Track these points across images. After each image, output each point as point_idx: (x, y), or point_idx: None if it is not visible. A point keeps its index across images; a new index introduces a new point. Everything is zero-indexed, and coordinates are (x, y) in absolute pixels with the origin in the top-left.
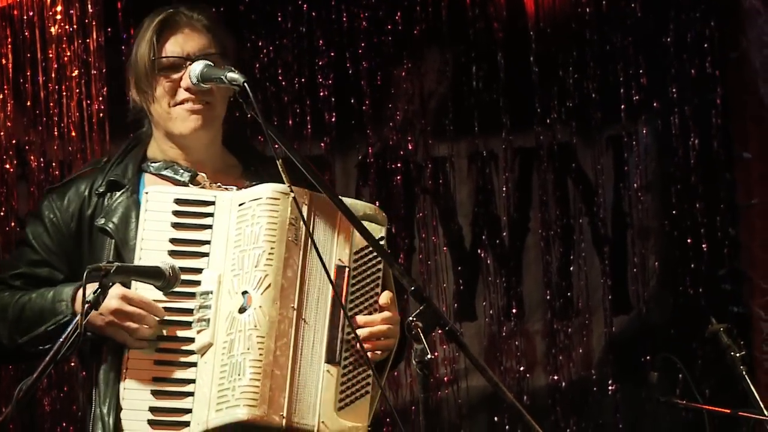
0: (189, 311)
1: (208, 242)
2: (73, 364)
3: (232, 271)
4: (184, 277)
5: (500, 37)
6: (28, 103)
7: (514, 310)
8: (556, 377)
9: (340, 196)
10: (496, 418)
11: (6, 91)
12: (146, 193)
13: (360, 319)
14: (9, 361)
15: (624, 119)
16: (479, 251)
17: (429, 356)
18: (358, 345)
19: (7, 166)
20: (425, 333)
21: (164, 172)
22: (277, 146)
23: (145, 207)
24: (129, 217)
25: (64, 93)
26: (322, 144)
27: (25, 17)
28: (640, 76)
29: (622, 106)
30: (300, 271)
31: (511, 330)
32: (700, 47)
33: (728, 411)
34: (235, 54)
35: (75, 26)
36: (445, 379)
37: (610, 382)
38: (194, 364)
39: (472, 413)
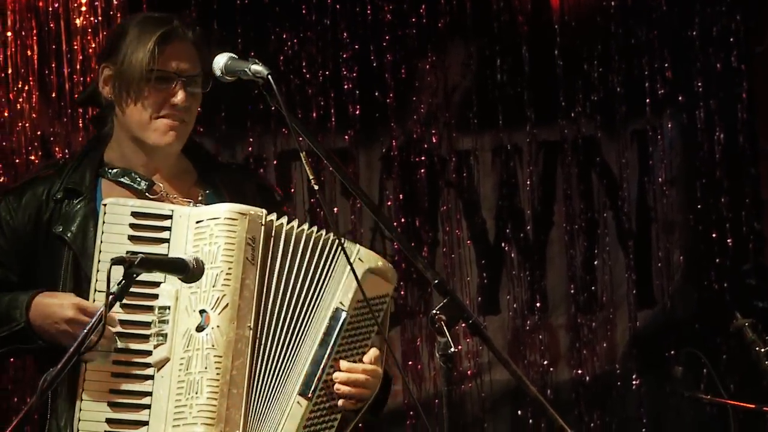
0: (146, 324)
1: (165, 256)
2: None
3: (189, 288)
4: (141, 290)
5: (525, 30)
6: (53, 95)
7: (537, 304)
8: (579, 371)
9: (359, 245)
10: (519, 412)
11: (31, 83)
12: (104, 204)
13: (343, 364)
14: None
15: (649, 113)
16: (503, 245)
17: (452, 349)
18: (334, 387)
19: (32, 157)
20: (448, 326)
21: (122, 179)
22: (300, 139)
23: (103, 219)
24: (87, 226)
25: (89, 85)
26: (346, 137)
27: (50, 9)
28: (665, 70)
29: (647, 100)
30: (257, 291)
31: (534, 324)
32: (725, 41)
33: (753, 406)
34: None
35: (100, 18)
36: (469, 372)
37: (634, 376)
38: (151, 377)
39: (495, 407)
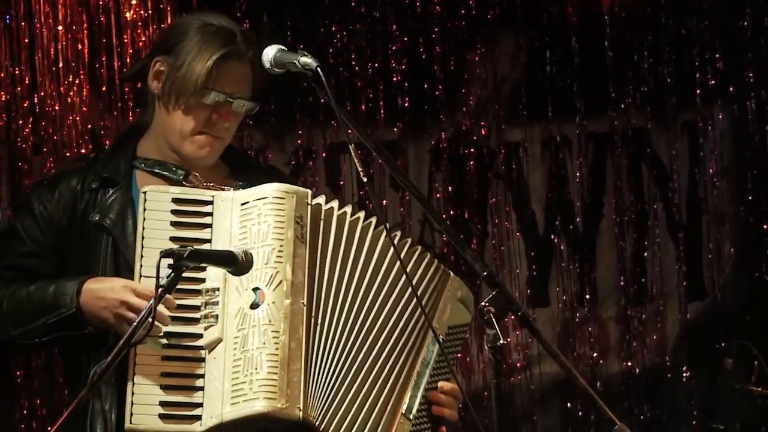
0: (195, 308)
1: (209, 240)
2: None
3: None
4: (187, 274)
5: (574, 21)
6: (104, 89)
7: (587, 296)
8: (629, 364)
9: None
10: (569, 404)
11: (82, 76)
12: (143, 192)
13: (445, 385)
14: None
15: (699, 104)
16: (552, 237)
17: (501, 341)
18: (432, 408)
19: (83, 150)
20: (497, 318)
21: (157, 170)
22: (350, 131)
23: (144, 206)
24: (125, 213)
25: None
26: (395, 129)
27: (101, 2)
28: (716, 61)
29: (698, 91)
30: (308, 268)
31: (584, 316)
32: None
33: None
34: (262, 92)
35: (150, 11)
36: (518, 364)
37: (684, 368)
38: (203, 359)
39: (545, 399)
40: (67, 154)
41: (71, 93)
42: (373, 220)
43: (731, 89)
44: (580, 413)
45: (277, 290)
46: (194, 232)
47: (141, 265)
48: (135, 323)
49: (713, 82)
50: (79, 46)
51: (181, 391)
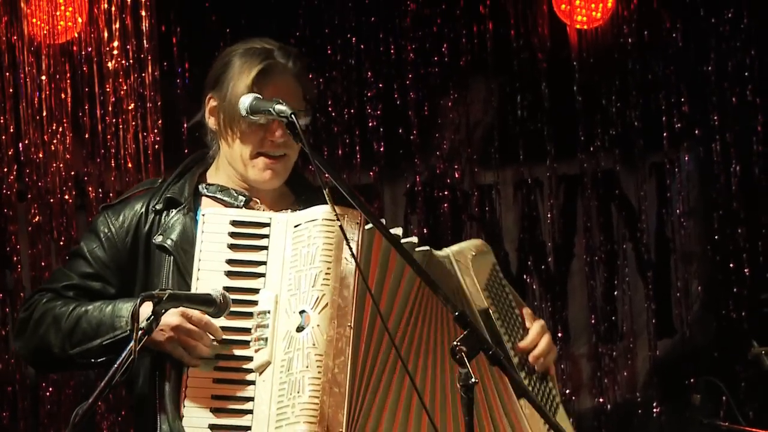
0: (246, 330)
1: (264, 263)
2: None
3: (288, 290)
4: (240, 297)
5: (544, 67)
6: (87, 136)
7: (559, 334)
8: (601, 400)
9: (447, 248)
10: None
11: (65, 124)
12: (203, 215)
13: (522, 343)
14: (56, 369)
15: (666, 146)
16: (525, 276)
17: (473, 380)
18: (535, 367)
19: (67, 196)
20: (469, 357)
21: (219, 195)
22: (326, 176)
23: (202, 228)
24: (187, 234)
25: (121, 126)
26: (371, 173)
27: (83, 53)
28: (682, 104)
29: (665, 134)
30: (356, 290)
31: (557, 354)
32: (740, 75)
33: None
34: (315, 99)
35: (131, 61)
36: None
37: (654, 404)
38: (253, 383)
39: None
40: (51, 200)
41: (55, 141)
42: (414, 239)
43: (697, 132)
44: None
45: (322, 313)
46: (251, 254)
47: (196, 288)
48: (117, 363)
49: (679, 125)
50: (62, 95)
51: (231, 414)
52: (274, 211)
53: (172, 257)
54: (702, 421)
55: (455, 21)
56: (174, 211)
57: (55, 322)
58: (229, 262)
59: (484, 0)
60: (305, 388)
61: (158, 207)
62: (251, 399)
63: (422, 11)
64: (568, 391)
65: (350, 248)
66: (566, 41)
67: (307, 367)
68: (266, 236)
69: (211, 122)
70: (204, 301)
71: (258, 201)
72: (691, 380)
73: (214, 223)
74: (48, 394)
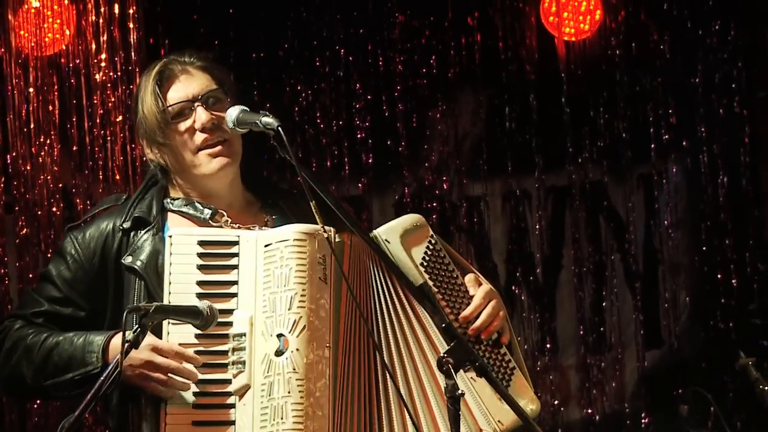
0: (223, 353)
1: (235, 282)
2: None
3: (263, 312)
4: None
5: (532, 78)
6: (74, 148)
7: (548, 345)
8: (590, 411)
9: (374, 230)
10: None
11: (53, 137)
12: (169, 236)
13: (463, 314)
14: (31, 398)
15: (654, 158)
16: (513, 288)
17: (459, 392)
18: (480, 336)
19: (54, 209)
20: (456, 369)
21: (185, 209)
22: (313, 188)
23: (170, 250)
24: (156, 256)
25: (109, 138)
26: (360, 185)
27: (71, 65)
28: (670, 116)
29: (652, 146)
30: (332, 309)
31: (545, 364)
32: (728, 87)
33: None
34: (233, 84)
35: (119, 73)
36: None
37: (642, 415)
38: (233, 406)
39: None
40: (39, 212)
41: (42, 153)
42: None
43: (684, 143)
44: None
45: (300, 337)
46: (221, 274)
47: None
48: (102, 377)
49: (667, 136)
50: (50, 108)
51: None
52: (241, 222)
53: (143, 281)
54: None
55: (443, 33)
56: (142, 231)
57: (26, 353)
58: (200, 283)
59: (472, 12)
60: (288, 415)
61: (126, 226)
62: (232, 423)
63: (411, 23)
64: (556, 402)
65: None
66: (554, 53)
67: (289, 392)
68: (236, 254)
69: (149, 154)
70: (191, 313)
71: (224, 213)
72: (679, 391)
73: (181, 245)
74: (35, 406)
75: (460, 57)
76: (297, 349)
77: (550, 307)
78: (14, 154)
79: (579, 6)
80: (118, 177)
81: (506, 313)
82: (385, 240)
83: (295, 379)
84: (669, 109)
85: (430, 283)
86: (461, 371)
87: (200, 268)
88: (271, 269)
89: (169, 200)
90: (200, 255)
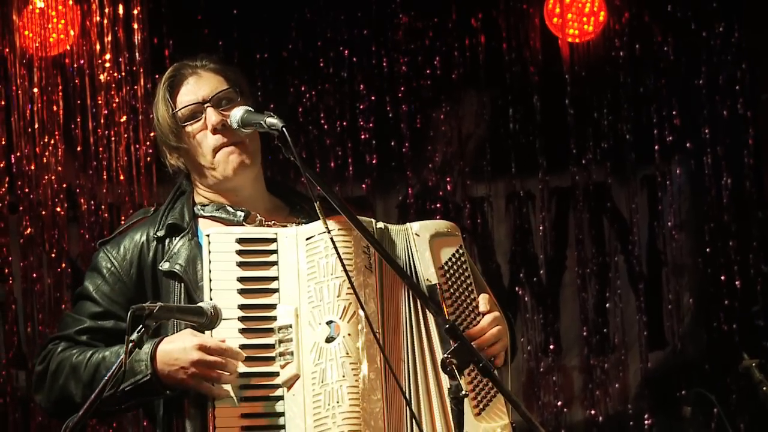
0: (269, 347)
1: (276, 278)
2: None
3: (309, 303)
4: (258, 314)
5: (536, 80)
6: (79, 148)
7: (551, 347)
8: (593, 412)
9: (409, 223)
10: None
11: (57, 137)
12: (207, 235)
13: (470, 332)
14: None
15: (658, 160)
16: (517, 289)
17: (463, 392)
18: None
19: (59, 209)
20: (460, 369)
21: (217, 214)
22: (318, 189)
23: (209, 249)
24: (195, 259)
25: (113, 138)
26: (364, 185)
27: (75, 65)
28: (674, 118)
29: (656, 147)
30: (379, 295)
31: (548, 366)
32: (731, 89)
33: None
34: (248, 85)
35: (123, 73)
36: None
37: (645, 416)
38: (281, 398)
39: None
40: (43, 212)
41: (47, 153)
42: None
43: (688, 145)
44: None
45: (351, 322)
46: (261, 270)
47: None
48: (107, 376)
49: (671, 138)
50: (54, 108)
51: (263, 431)
52: (273, 223)
53: (182, 283)
54: None
55: (447, 34)
56: (176, 238)
57: (73, 371)
58: (241, 279)
59: (476, 13)
60: (344, 398)
61: (160, 234)
62: (282, 414)
63: (414, 24)
64: (560, 403)
65: (368, 257)
66: (558, 54)
67: (344, 376)
68: (275, 251)
69: (171, 160)
70: (195, 312)
71: (257, 215)
72: (683, 392)
73: (219, 242)
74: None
75: (463, 58)
76: (348, 334)
77: (553, 309)
78: (18, 154)
79: (583, 7)
80: (122, 177)
81: (507, 343)
82: (416, 233)
83: (349, 363)
84: (673, 111)
85: (445, 287)
86: (430, 378)
87: (240, 265)
88: (315, 260)
89: (199, 207)
90: (239, 252)
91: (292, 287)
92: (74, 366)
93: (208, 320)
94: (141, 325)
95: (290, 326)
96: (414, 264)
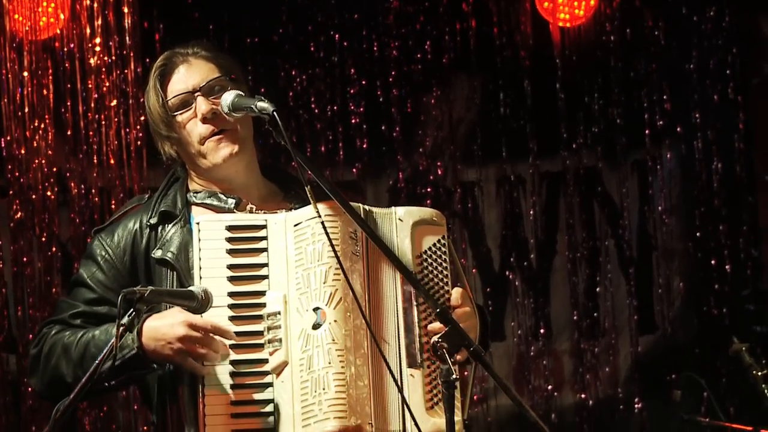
0: (258, 333)
1: (265, 264)
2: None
3: (297, 289)
4: (247, 300)
5: (527, 65)
6: (69, 132)
7: (542, 331)
8: (583, 396)
9: (394, 207)
10: None
11: (47, 121)
12: (197, 222)
13: (434, 326)
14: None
15: (648, 144)
16: (507, 273)
17: (454, 376)
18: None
19: (49, 193)
20: (450, 353)
21: (208, 201)
22: (309, 173)
23: (198, 236)
24: (187, 246)
25: (103, 122)
26: (354, 170)
27: (65, 49)
28: (664, 102)
29: (647, 131)
30: (366, 281)
31: (539, 350)
32: (722, 73)
33: (751, 429)
34: (241, 72)
35: (114, 57)
36: (475, 398)
37: (636, 400)
38: (270, 385)
39: (501, 431)
40: (33, 196)
41: (37, 137)
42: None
43: (679, 129)
44: None
45: (337, 308)
46: (251, 257)
47: None
48: (98, 360)
49: (661, 122)
50: (45, 92)
51: (252, 418)
52: (263, 211)
53: (174, 271)
54: (683, 417)
55: (438, 19)
56: (169, 225)
57: (64, 352)
58: (231, 267)
59: None
60: (330, 384)
61: (152, 221)
62: (270, 401)
63: (405, 9)
64: (550, 387)
65: (355, 243)
66: (549, 39)
67: (330, 363)
68: (264, 238)
69: (164, 148)
70: (185, 296)
71: (248, 202)
72: (673, 376)
73: (209, 230)
74: (30, 389)
75: (454, 43)
76: (335, 321)
77: (544, 293)
78: (8, 138)
79: None
80: (112, 161)
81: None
82: (399, 218)
83: (335, 350)
84: (663, 95)
85: (419, 276)
86: (404, 367)
87: (230, 252)
88: (303, 246)
89: (191, 194)
90: (229, 240)
91: (281, 274)
92: (65, 346)
93: (198, 304)
94: (132, 309)
95: (279, 313)
96: (393, 249)
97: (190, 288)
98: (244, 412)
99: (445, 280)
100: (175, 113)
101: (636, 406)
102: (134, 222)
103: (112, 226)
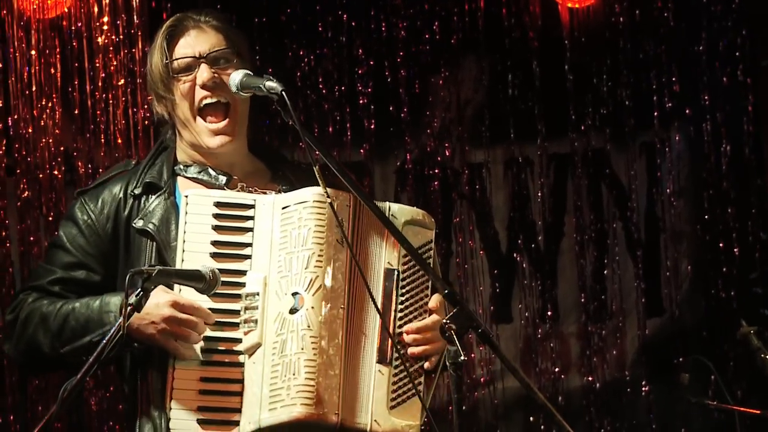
0: (234, 312)
1: (249, 245)
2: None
3: (278, 272)
4: (227, 279)
5: (535, 46)
6: (76, 112)
7: (549, 313)
8: (590, 378)
9: (388, 202)
10: (531, 418)
11: (54, 100)
12: (186, 196)
13: (410, 326)
14: (48, 369)
15: (657, 126)
16: (515, 255)
17: (462, 357)
18: (408, 350)
19: (56, 172)
20: (459, 335)
21: (199, 176)
22: (317, 153)
23: (185, 210)
24: (169, 219)
25: (111, 101)
26: (362, 150)
27: (73, 28)
28: (673, 84)
29: (655, 113)
30: (347, 272)
31: (546, 332)
32: (731, 55)
33: (758, 412)
34: (248, 50)
35: (121, 36)
36: (482, 380)
37: (643, 383)
38: (242, 365)
39: (508, 413)
40: (40, 175)
41: (44, 116)
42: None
43: (687, 111)
44: (542, 427)
45: (316, 295)
46: (236, 236)
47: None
48: (105, 340)
49: (670, 104)
50: (52, 71)
51: (220, 396)
52: (254, 190)
53: (154, 242)
54: (690, 400)
55: None
56: (153, 196)
57: (42, 321)
58: (215, 243)
59: None
60: (301, 370)
61: (137, 191)
62: (240, 381)
63: None
64: (557, 370)
65: (342, 231)
66: (558, 20)
67: (302, 349)
68: (251, 218)
69: (155, 106)
70: (194, 277)
71: (239, 180)
72: (680, 359)
73: (197, 204)
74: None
75: (462, 23)
76: (312, 307)
77: (551, 275)
78: (16, 116)
79: None
80: (119, 141)
81: (442, 348)
82: (392, 215)
83: (309, 336)
84: (672, 77)
85: (403, 275)
86: (375, 360)
87: (215, 228)
88: (288, 230)
89: (181, 167)
90: (216, 216)
91: (263, 255)
92: (44, 316)
93: (206, 285)
94: (140, 289)
95: (257, 294)
96: (381, 244)
97: (198, 268)
98: (213, 390)
99: (427, 283)
100: (176, 75)
101: (643, 389)
102: (119, 188)
103: (97, 189)
